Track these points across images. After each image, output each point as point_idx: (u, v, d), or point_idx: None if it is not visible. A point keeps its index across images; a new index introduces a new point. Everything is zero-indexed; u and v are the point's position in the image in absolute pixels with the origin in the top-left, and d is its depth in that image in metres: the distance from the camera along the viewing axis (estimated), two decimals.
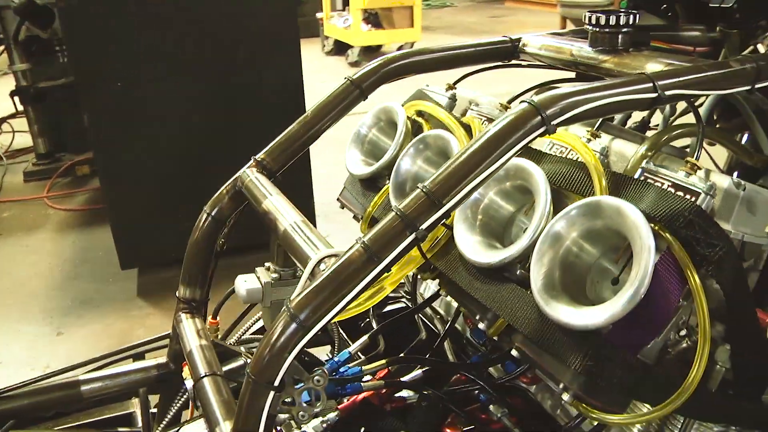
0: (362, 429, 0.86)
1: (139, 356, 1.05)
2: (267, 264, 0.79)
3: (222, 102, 2.26)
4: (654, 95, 0.69)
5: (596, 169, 0.73)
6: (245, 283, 0.75)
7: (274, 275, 0.76)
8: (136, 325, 2.08)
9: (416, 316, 1.11)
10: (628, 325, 0.61)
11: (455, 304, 1.09)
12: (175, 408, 0.91)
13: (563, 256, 0.69)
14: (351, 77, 0.92)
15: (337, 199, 1.13)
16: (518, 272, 0.75)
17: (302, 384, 0.61)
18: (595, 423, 0.74)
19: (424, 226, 0.59)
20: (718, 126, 1.01)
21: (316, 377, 0.62)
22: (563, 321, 0.63)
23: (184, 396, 0.92)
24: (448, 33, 8.34)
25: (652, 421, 0.73)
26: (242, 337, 1.04)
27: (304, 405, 0.62)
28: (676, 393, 0.62)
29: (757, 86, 0.78)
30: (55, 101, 3.43)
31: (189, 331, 0.87)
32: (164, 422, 0.91)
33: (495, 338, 0.88)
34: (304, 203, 2.55)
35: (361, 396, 0.86)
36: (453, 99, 1.06)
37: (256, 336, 1.05)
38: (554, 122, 0.63)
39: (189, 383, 0.83)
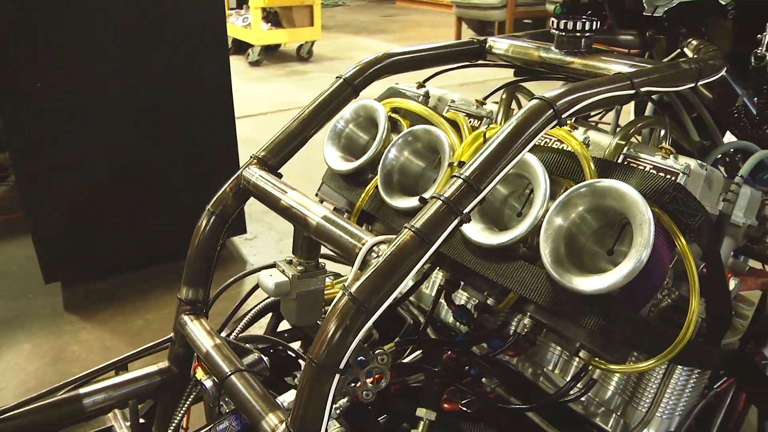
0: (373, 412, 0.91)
1: (122, 367, 1.02)
2: (288, 258, 0.81)
3: (148, 106, 2.19)
4: (632, 92, 0.80)
5: (584, 155, 0.83)
6: (271, 278, 0.77)
7: (300, 268, 0.79)
8: (70, 341, 1.96)
9: (398, 308, 1.17)
10: (632, 287, 0.72)
11: (431, 293, 1.17)
12: (182, 411, 0.91)
13: (567, 233, 0.78)
14: (343, 76, 0.96)
15: (316, 194, 1.16)
16: (521, 250, 0.84)
17: (368, 364, 0.66)
18: (594, 376, 0.85)
19: (466, 210, 0.66)
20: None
21: (380, 357, 0.67)
22: (578, 289, 0.73)
23: (189, 398, 0.92)
24: (344, 32, 8.42)
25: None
26: (240, 335, 1.04)
27: (369, 384, 0.67)
28: (674, 343, 0.73)
29: (699, 83, 0.92)
30: None
31: (198, 332, 0.87)
32: (172, 426, 0.90)
33: (479, 316, 0.97)
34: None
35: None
36: (426, 96, 1.13)
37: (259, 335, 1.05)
38: (564, 115, 0.72)
39: (209, 383, 0.83)
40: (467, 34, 7.84)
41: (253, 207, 2.59)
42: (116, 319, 2.09)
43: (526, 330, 0.90)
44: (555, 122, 0.71)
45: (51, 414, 0.84)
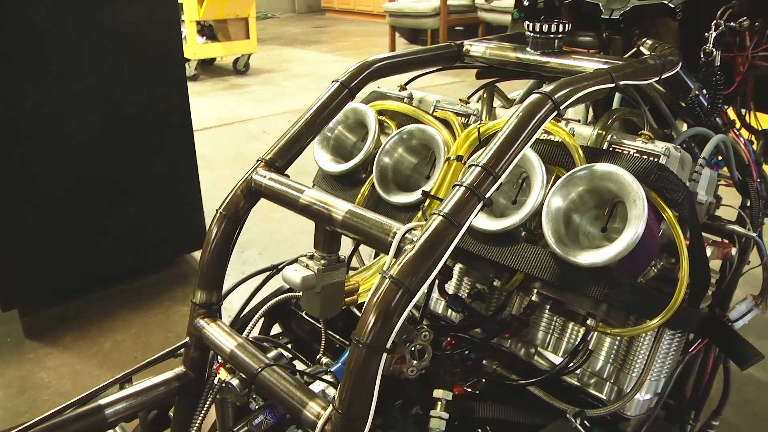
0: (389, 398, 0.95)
1: (128, 380, 1.01)
2: (309, 253, 0.85)
3: (108, 117, 2.15)
4: (612, 85, 0.89)
5: (573, 144, 0.92)
6: (297, 272, 0.81)
7: (323, 262, 0.83)
8: (36, 369, 1.89)
9: None
10: (630, 257, 0.80)
11: None
12: (203, 413, 0.92)
13: (565, 213, 0.86)
14: (339, 79, 1.01)
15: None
16: (523, 234, 0.91)
17: (412, 342, 0.70)
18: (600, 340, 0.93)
19: (487, 194, 0.72)
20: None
21: (423, 334, 0.71)
22: (582, 263, 0.81)
23: (208, 400, 0.94)
24: (278, 43, 8.41)
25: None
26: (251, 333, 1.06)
27: (414, 361, 0.71)
28: (668, 306, 0.82)
29: (662, 77, 1.03)
30: None
31: (218, 334, 0.89)
32: (194, 429, 0.91)
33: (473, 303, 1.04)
34: (195, 219, 2.50)
35: None
36: (410, 98, 1.20)
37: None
38: (562, 107, 0.80)
39: (235, 382, 0.85)
40: (400, 43, 8.02)
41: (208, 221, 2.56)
42: (82, 343, 2.03)
43: (524, 308, 0.97)
44: (555, 113, 0.79)
45: (75, 427, 0.83)
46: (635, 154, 0.88)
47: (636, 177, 0.82)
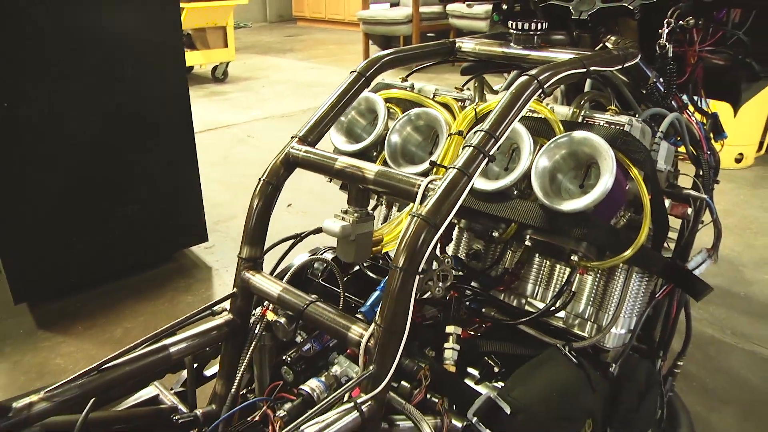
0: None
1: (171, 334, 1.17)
2: (343, 209, 1.04)
3: (110, 117, 2.30)
4: (584, 70, 1.11)
5: (554, 119, 1.13)
6: (336, 223, 1.00)
7: (356, 215, 1.02)
8: (52, 355, 2.02)
9: None
10: (603, 204, 1.02)
11: None
12: (250, 351, 1.09)
13: (550, 173, 1.07)
14: (356, 70, 1.21)
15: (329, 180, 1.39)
16: (515, 192, 1.12)
17: (437, 267, 0.90)
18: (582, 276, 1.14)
19: (491, 152, 0.93)
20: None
21: (446, 260, 0.91)
22: (566, 209, 1.02)
23: (255, 340, 1.11)
24: (253, 52, 8.58)
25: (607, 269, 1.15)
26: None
27: (440, 283, 0.91)
28: (632, 245, 1.04)
29: (624, 65, 1.26)
30: None
31: (264, 282, 1.08)
32: (241, 365, 1.09)
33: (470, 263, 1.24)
34: (195, 216, 2.66)
35: None
36: (412, 87, 1.40)
37: None
38: (546, 85, 1.01)
39: (282, 320, 1.04)
40: (373, 50, 8.26)
41: (210, 217, 2.73)
42: (93, 331, 2.17)
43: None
44: (540, 91, 1.00)
45: (144, 362, 1.00)
46: (605, 124, 1.10)
47: (605, 139, 1.04)
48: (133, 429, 1.09)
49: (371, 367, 0.87)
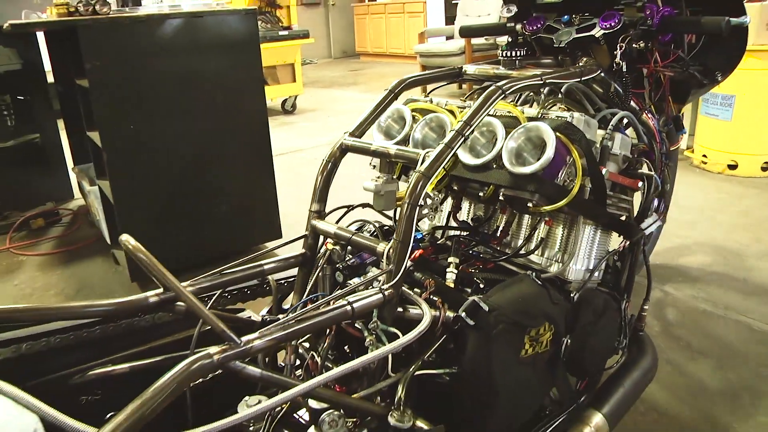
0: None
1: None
2: (376, 176, 1.63)
3: (207, 138, 3.02)
4: (541, 81, 1.67)
5: (521, 116, 1.69)
6: (371, 183, 1.59)
7: (385, 178, 1.60)
8: None
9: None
10: (550, 168, 1.55)
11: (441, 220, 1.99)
12: (316, 273, 1.68)
13: (516, 151, 1.62)
14: (388, 88, 1.81)
15: (370, 163, 1.98)
16: (493, 165, 1.67)
17: (429, 201, 1.47)
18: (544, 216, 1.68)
19: (466, 133, 1.49)
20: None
21: (436, 199, 1.48)
22: (525, 172, 1.56)
23: (319, 265, 1.69)
24: (319, 86, 9.40)
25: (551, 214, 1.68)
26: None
27: (432, 212, 1.48)
28: (569, 195, 1.56)
29: (582, 79, 1.80)
30: (4, 162, 3.88)
31: (326, 226, 1.67)
32: (311, 282, 1.68)
33: (474, 224, 1.80)
34: (272, 218, 3.32)
35: (418, 252, 1.71)
36: (430, 101, 1.99)
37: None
38: (507, 92, 1.57)
39: (337, 248, 1.62)
40: None
41: (283, 220, 3.37)
42: None
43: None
44: (502, 96, 1.56)
45: (245, 275, 1.61)
46: (555, 118, 1.65)
47: (551, 127, 1.58)
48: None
49: (390, 266, 1.44)
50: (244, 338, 1.18)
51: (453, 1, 10.15)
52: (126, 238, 1.27)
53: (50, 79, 4.06)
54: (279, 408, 1.41)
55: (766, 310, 2.55)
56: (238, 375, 1.19)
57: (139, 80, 2.80)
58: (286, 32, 6.61)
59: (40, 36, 4.09)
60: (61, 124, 4.16)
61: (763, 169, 4.09)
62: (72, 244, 3.60)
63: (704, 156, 4.37)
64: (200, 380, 1.21)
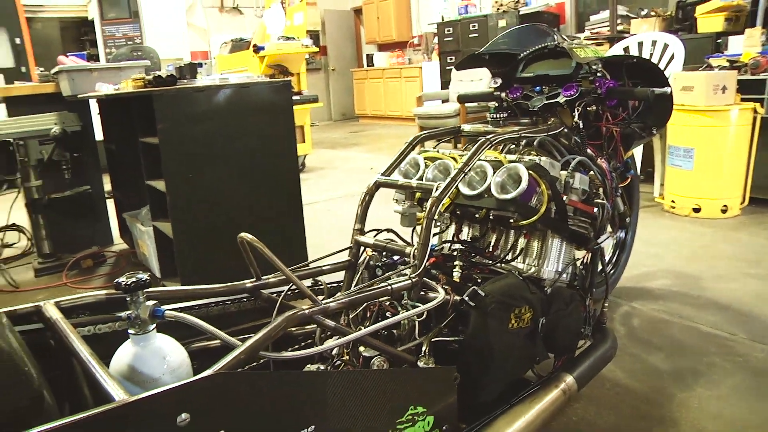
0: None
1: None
2: (404, 202, 2.35)
3: (249, 185, 3.77)
4: (517, 136, 2.42)
5: (504, 160, 2.43)
6: (399, 205, 2.31)
7: (408, 204, 2.33)
8: None
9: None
10: (524, 195, 2.28)
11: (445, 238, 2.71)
12: (358, 275, 2.37)
13: (501, 183, 2.35)
14: (408, 142, 2.56)
15: (393, 198, 2.71)
16: (485, 195, 2.40)
17: (441, 217, 2.18)
18: (521, 229, 2.40)
19: (466, 170, 2.23)
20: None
21: (445, 217, 2.20)
22: (507, 198, 2.28)
23: (361, 268, 2.39)
24: (323, 147, 10.23)
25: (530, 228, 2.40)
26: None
27: (443, 225, 2.19)
28: (538, 213, 2.28)
29: (549, 134, 2.56)
30: (60, 210, 4.61)
31: (366, 239, 2.38)
32: (354, 282, 2.37)
33: (473, 241, 2.52)
34: (300, 250, 4.03)
35: (432, 259, 2.42)
36: (437, 150, 2.74)
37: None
38: (494, 143, 2.32)
39: (374, 254, 2.33)
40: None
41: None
42: None
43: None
44: (490, 146, 2.31)
45: (301, 274, 2.31)
46: (528, 160, 2.39)
47: (526, 167, 2.32)
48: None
49: (416, 261, 2.14)
50: (324, 301, 1.87)
51: (447, 67, 11.17)
52: (244, 234, 1.97)
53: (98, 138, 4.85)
54: (342, 353, 2.07)
55: (713, 318, 3.23)
56: (320, 324, 1.87)
57: (197, 138, 3.56)
58: (298, 97, 7.49)
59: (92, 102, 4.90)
60: (105, 177, 4.92)
61: (723, 211, 4.85)
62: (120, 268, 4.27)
63: (672, 201, 5.14)
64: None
